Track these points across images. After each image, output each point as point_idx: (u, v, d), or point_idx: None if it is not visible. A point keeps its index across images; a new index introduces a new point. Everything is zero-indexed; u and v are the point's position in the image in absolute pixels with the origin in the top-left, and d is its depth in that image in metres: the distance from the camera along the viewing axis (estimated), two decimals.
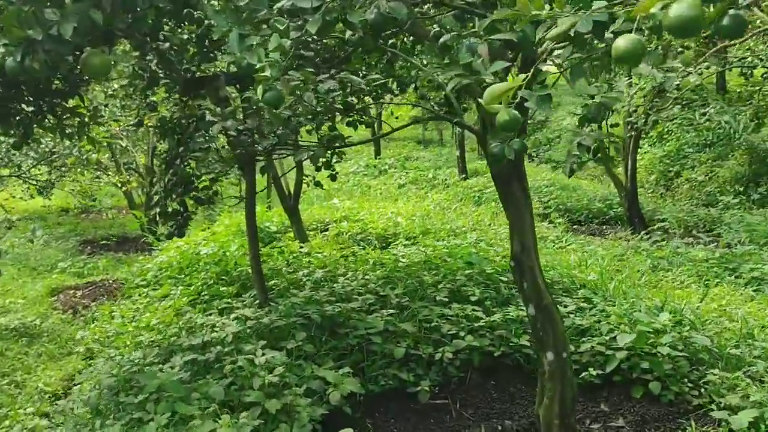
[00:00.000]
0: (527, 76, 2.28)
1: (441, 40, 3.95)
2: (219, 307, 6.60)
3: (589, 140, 3.24)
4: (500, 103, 2.33)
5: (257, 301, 6.43)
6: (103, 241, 15.21)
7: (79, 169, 12.69)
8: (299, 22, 2.81)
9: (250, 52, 2.79)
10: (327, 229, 10.66)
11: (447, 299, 6.47)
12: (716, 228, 11.30)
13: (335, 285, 6.71)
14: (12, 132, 5.47)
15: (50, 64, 3.05)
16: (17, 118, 5.32)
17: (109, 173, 14.09)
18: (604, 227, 12.02)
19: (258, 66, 2.66)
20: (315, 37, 2.90)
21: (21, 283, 12.36)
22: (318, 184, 7.08)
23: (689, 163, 14.57)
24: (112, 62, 3.87)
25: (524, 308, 5.06)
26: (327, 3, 2.72)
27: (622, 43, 1.97)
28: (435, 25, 4.14)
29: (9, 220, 9.98)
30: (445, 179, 14.64)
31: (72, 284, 12.15)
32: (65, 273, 12.96)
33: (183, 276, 7.78)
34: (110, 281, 12.22)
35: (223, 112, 4.69)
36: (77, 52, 3.52)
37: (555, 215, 12.18)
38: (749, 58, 10.07)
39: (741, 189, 13.15)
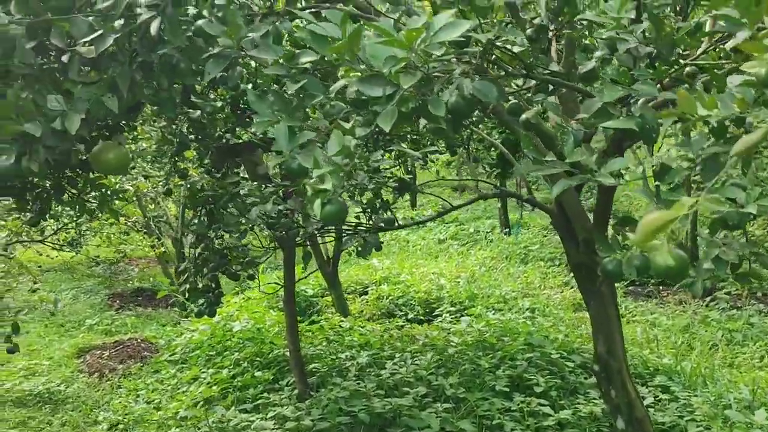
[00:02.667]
0: (695, 203, 1.62)
1: (523, 117, 3.33)
2: (254, 397, 5.92)
3: (730, 254, 2.56)
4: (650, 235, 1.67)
5: (296, 391, 5.76)
6: (132, 295, 14.79)
7: (107, 224, 12.27)
8: (367, 115, 2.20)
9: (305, 152, 2.17)
10: (366, 293, 10.00)
11: (508, 388, 5.75)
12: None
13: (383, 372, 6.01)
14: (28, 208, 4.92)
15: (53, 163, 2.46)
16: (34, 193, 4.76)
17: (138, 227, 13.63)
18: (661, 288, 11.17)
19: (315, 174, 2.04)
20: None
21: (47, 342, 11.91)
22: (362, 254, 6.43)
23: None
24: (131, 156, 3.30)
25: (611, 418, 4.36)
26: (402, 90, 2.09)
27: None
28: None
29: (35, 282, 9.51)
30: (488, 232, 13.91)
31: (99, 343, 11.71)
32: (93, 331, 12.53)
33: (214, 354, 7.14)
34: (138, 340, 11.76)
35: (262, 193, 4.08)
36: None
37: None
38: None
39: None
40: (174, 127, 5.64)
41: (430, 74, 2.13)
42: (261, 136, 5.75)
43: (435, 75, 2.20)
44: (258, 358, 6.65)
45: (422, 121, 2.44)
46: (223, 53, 2.34)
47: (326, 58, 2.30)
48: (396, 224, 4.24)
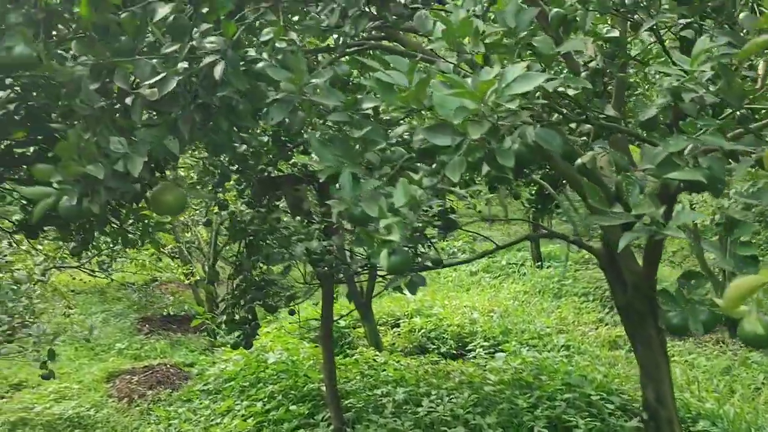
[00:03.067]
0: None
1: (579, 162, 3.28)
2: None
3: None
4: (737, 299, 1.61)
5: (332, 427, 5.70)
6: (161, 320, 14.84)
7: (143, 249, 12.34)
8: (434, 166, 2.17)
9: (369, 200, 2.14)
10: (398, 325, 9.93)
11: (546, 429, 5.65)
12: None
13: (419, 409, 5.93)
14: (71, 238, 4.95)
15: (112, 205, 2.45)
16: (77, 223, 4.79)
17: (170, 251, 13.69)
18: None
19: (382, 224, 2.01)
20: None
21: (78, 365, 11.96)
22: (398, 289, 6.37)
23: None
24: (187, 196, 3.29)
25: None
26: (470, 140, 2.06)
27: None
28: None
29: (69, 307, 9.57)
30: (520, 265, 13.78)
31: (129, 368, 11.73)
32: (122, 355, 12.57)
33: (247, 385, 7.10)
34: (167, 366, 11.77)
35: (308, 230, 4.06)
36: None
37: None
38: None
39: None
40: (215, 158, 5.66)
41: (497, 124, 2.09)
42: (302, 169, 5.76)
43: (501, 124, 2.17)
44: (293, 391, 6.59)
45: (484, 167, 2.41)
46: (287, 98, 2.33)
47: (390, 106, 2.28)
48: (442, 263, 4.20)
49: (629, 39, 3.95)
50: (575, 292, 11.57)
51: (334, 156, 2.30)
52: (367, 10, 3.04)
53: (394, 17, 3.15)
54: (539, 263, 13.62)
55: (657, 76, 5.07)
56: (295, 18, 3.26)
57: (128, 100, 2.42)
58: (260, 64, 2.59)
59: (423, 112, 2.28)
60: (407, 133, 2.49)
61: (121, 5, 2.48)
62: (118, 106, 2.56)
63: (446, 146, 2.08)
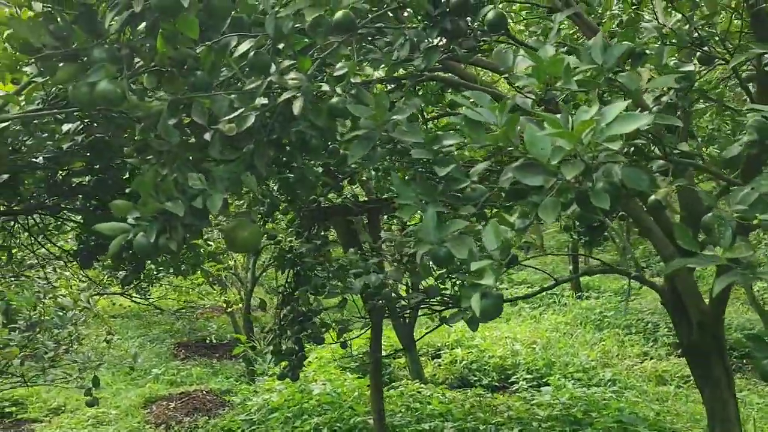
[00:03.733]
0: None
1: (653, 198, 3.20)
2: None
3: None
4: None
5: None
6: (197, 345, 14.87)
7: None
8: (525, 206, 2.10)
9: (456, 241, 2.07)
10: (439, 355, 9.81)
11: None
12: None
13: None
14: (123, 267, 4.95)
15: (187, 242, 2.42)
16: (129, 252, 4.78)
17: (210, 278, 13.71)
18: (744, 361, 10.70)
19: (474, 268, 1.94)
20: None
21: (115, 390, 11.99)
22: (445, 321, 6.28)
23: None
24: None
25: None
26: (560, 180, 2.00)
27: None
28: None
29: (110, 333, 9.60)
30: (560, 295, 13.59)
31: (165, 394, 11.74)
32: (159, 381, 12.58)
33: (291, 416, 7.02)
34: (204, 392, 11.76)
35: (366, 263, 4.01)
36: None
37: None
38: None
39: None
40: (265, 187, 5.64)
41: (591, 165, 2.03)
42: (353, 200, 5.73)
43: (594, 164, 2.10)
44: (338, 424, 6.51)
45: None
46: (368, 135, 2.28)
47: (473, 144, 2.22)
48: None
49: (702, 72, 3.87)
50: (618, 324, 11.37)
51: (416, 194, 2.25)
52: (437, 43, 3.01)
53: (463, 51, 3.10)
54: (579, 294, 13.43)
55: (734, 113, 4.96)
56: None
57: (207, 136, 2.39)
58: (334, 99, 2.55)
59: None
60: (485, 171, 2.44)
61: (197, 40, 2.47)
62: (193, 141, 2.54)
63: (537, 186, 2.02)
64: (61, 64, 2.20)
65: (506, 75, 2.52)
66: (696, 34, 3.29)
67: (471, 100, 2.17)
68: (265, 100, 2.37)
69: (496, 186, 2.23)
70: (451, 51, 3.20)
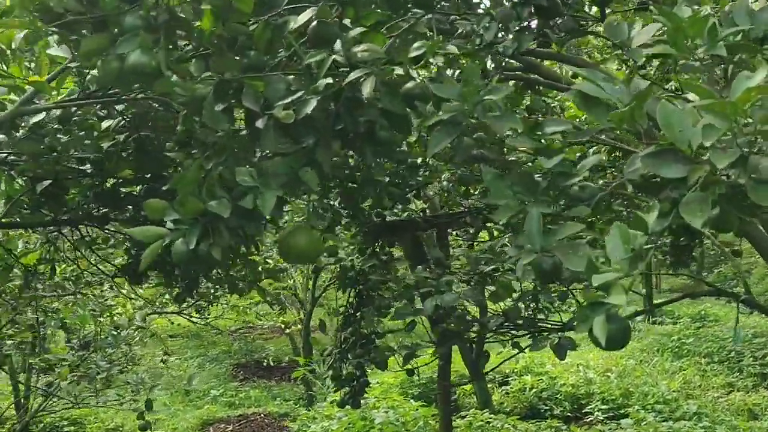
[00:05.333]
0: None
1: None
2: None
3: None
4: None
5: None
6: (256, 366, 14.67)
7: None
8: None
9: (567, 249, 1.64)
10: (507, 383, 9.27)
11: None
12: None
13: None
14: (175, 285, 4.63)
15: (234, 248, 2.03)
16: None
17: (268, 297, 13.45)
18: None
19: (596, 282, 1.50)
20: None
21: (173, 411, 11.80)
22: (518, 347, 5.77)
23: None
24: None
25: None
26: (710, 172, 1.55)
27: None
28: None
29: (166, 353, 9.39)
30: (633, 320, 12.87)
31: (223, 416, 11.49)
32: (217, 402, 12.35)
33: None
34: (261, 415, 11.50)
35: (438, 281, 3.57)
36: None
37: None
38: None
39: None
40: (326, 200, 5.27)
41: (747, 153, 1.56)
42: (423, 215, 5.30)
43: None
44: None
45: None
46: (454, 119, 1.86)
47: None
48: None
49: None
50: (698, 352, 10.64)
51: (515, 192, 1.81)
52: (530, 25, 2.57)
53: (559, 34, 2.66)
54: (654, 319, 12.71)
55: None
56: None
57: (259, 123, 1.99)
58: (410, 84, 2.14)
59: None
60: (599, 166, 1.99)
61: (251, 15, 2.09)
62: (244, 131, 2.16)
63: (678, 179, 1.56)
64: (87, 34, 1.84)
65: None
66: None
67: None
68: (329, 80, 1.96)
69: (613, 181, 1.78)
70: (542, 35, 2.77)
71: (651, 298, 12.93)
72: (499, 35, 2.54)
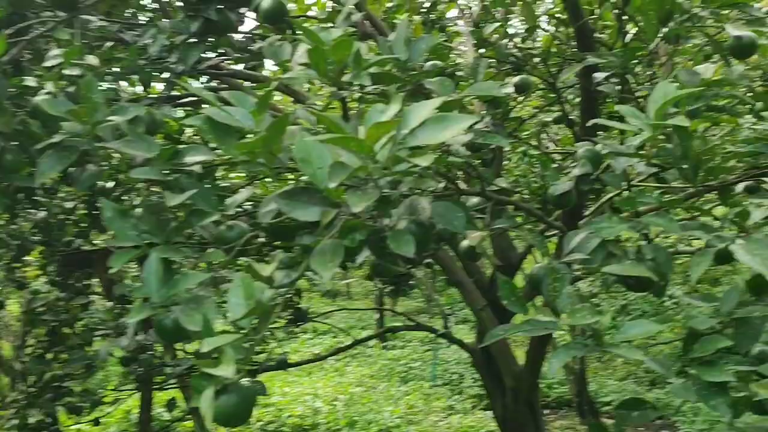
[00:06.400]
0: None
1: (465, 243, 2.65)
2: None
3: None
4: None
5: None
6: None
7: None
8: None
9: (188, 306, 1.36)
10: None
11: None
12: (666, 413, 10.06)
13: None
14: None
15: None
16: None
17: None
18: (547, 411, 10.64)
19: (207, 347, 1.22)
20: None
21: None
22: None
23: None
24: None
25: None
26: (347, 215, 1.36)
27: None
28: None
29: None
30: (366, 345, 12.98)
31: None
32: None
33: None
34: None
35: (117, 322, 3.16)
36: None
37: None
38: None
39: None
40: (14, 227, 4.67)
41: (391, 194, 1.39)
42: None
43: (394, 194, 1.47)
44: None
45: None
46: (68, 143, 1.52)
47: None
48: (287, 363, 3.42)
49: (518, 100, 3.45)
50: (423, 377, 10.96)
51: (139, 232, 1.51)
52: (197, 40, 2.29)
53: (238, 53, 2.42)
54: (385, 344, 12.97)
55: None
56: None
57: None
58: (38, 97, 1.78)
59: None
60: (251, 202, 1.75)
61: None
62: None
63: (312, 222, 1.35)
64: None
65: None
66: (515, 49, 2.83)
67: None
68: None
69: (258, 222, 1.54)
70: (222, 53, 2.52)
71: (383, 321, 13.19)
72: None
